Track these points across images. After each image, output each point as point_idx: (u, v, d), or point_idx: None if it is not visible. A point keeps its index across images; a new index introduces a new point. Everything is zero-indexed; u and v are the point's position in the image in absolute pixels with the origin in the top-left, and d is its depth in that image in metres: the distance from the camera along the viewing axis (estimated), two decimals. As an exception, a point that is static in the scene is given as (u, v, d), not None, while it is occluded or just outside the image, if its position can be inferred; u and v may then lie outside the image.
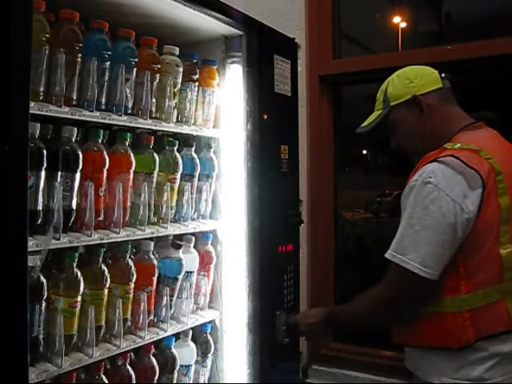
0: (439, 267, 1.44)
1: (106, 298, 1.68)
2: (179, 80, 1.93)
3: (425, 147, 1.59)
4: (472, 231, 1.45)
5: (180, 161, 1.95)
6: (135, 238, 1.77)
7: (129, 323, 1.77)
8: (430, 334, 1.50)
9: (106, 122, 1.67)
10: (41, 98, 1.46)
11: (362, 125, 1.76)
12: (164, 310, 1.90)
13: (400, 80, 1.68)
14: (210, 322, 2.10)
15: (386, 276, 1.54)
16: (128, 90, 1.72)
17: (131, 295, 1.77)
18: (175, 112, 1.93)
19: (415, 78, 1.65)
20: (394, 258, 1.48)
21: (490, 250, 1.47)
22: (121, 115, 1.70)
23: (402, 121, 1.66)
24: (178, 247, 1.95)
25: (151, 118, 1.82)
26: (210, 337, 2.10)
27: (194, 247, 2.03)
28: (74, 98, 1.58)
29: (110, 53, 1.66)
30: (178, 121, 1.95)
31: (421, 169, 1.50)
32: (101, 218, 1.68)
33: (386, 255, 1.51)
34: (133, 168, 1.77)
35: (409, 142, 1.67)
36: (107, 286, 1.68)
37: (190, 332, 2.01)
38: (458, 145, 1.51)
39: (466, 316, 1.45)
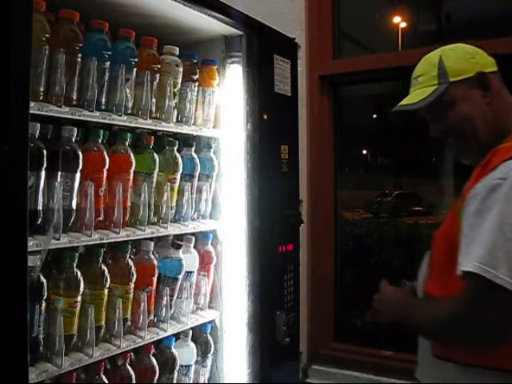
0: None
1: (105, 298, 1.68)
2: (179, 80, 1.93)
3: (486, 135, 1.36)
4: None
5: (180, 161, 1.95)
6: (135, 238, 1.77)
7: (129, 323, 1.77)
8: (498, 353, 1.24)
9: (106, 122, 1.67)
10: (41, 98, 1.46)
11: (403, 102, 1.44)
12: (164, 309, 1.90)
13: (459, 54, 1.41)
14: (209, 322, 2.10)
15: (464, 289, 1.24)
16: (128, 90, 1.72)
17: (131, 295, 1.77)
18: (175, 112, 1.93)
19: (476, 55, 1.40)
20: (486, 272, 1.17)
21: None
22: (121, 115, 1.70)
23: (462, 101, 1.38)
24: (178, 247, 1.95)
25: (151, 118, 1.82)
26: (209, 337, 2.10)
27: (194, 247, 2.03)
28: (74, 98, 1.58)
29: (109, 53, 1.66)
30: (178, 121, 1.95)
31: (502, 165, 1.23)
32: (101, 218, 1.68)
33: (472, 269, 1.18)
34: (133, 168, 1.77)
35: (466, 127, 1.38)
36: (107, 286, 1.68)
37: (190, 332, 2.01)
38: None
39: None
